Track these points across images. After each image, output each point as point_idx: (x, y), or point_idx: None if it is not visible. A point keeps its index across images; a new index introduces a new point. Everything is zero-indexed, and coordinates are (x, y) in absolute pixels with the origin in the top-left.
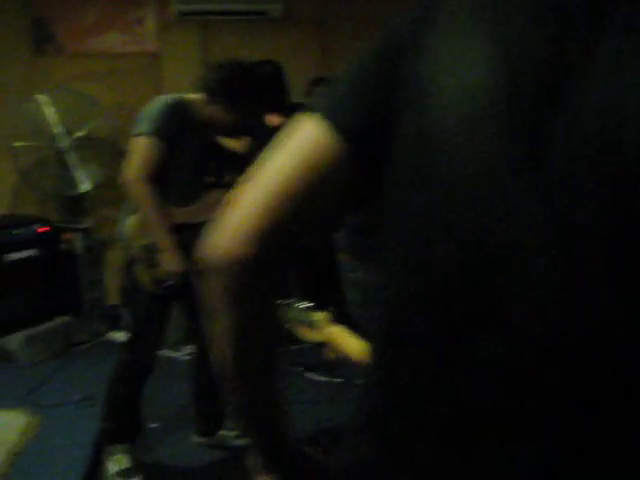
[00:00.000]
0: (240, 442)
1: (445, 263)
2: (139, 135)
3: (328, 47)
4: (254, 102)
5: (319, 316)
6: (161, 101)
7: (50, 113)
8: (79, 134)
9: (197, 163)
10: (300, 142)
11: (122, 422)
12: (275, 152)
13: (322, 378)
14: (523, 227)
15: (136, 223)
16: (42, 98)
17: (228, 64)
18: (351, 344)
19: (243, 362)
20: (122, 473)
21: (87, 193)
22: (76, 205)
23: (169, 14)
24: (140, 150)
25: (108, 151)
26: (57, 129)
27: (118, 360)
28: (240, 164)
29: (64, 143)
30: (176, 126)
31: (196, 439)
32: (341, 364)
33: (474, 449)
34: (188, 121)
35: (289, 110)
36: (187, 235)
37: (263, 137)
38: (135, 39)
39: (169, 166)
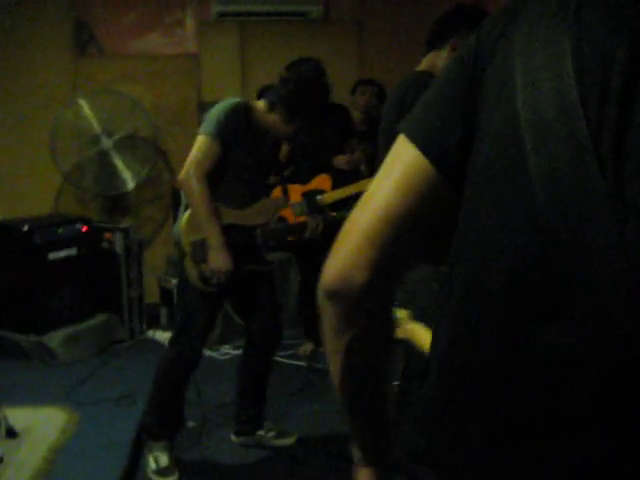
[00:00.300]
0: (278, 443)
1: (526, 254)
2: (201, 134)
3: (366, 48)
4: (313, 118)
5: (400, 313)
6: (227, 104)
7: (91, 115)
8: (120, 134)
9: (254, 168)
10: (398, 170)
11: (164, 417)
12: (378, 180)
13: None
14: (601, 227)
15: (187, 219)
16: (83, 100)
17: (295, 77)
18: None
19: (360, 373)
20: (161, 471)
21: (127, 193)
22: (117, 205)
23: (208, 15)
24: (199, 149)
25: (149, 151)
26: (99, 130)
27: (164, 355)
28: (281, 170)
29: (106, 144)
30: (237, 130)
31: (235, 439)
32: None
33: (535, 439)
34: (249, 126)
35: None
36: (237, 236)
37: (301, 145)
38: (175, 41)
39: (226, 168)
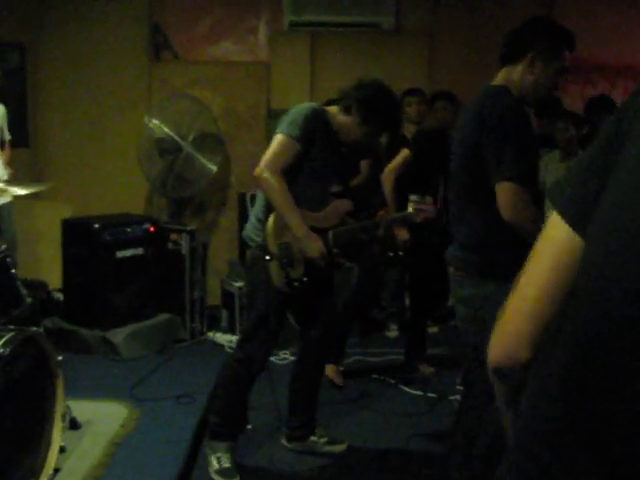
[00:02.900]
0: (329, 449)
1: None
2: (280, 133)
3: (436, 60)
4: (386, 122)
5: None
6: (306, 106)
7: (166, 125)
8: (193, 135)
9: (327, 170)
10: (549, 246)
11: (229, 418)
12: (532, 258)
13: (416, 392)
14: None
15: (274, 221)
16: (155, 120)
17: (372, 83)
18: None
19: None
20: (223, 472)
21: (195, 196)
22: (184, 207)
23: (281, 24)
24: (277, 147)
25: (218, 149)
26: (176, 137)
27: (231, 355)
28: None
29: (186, 147)
30: (315, 131)
31: (286, 444)
32: (436, 380)
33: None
34: (325, 130)
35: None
36: None
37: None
38: (247, 48)
39: (301, 169)
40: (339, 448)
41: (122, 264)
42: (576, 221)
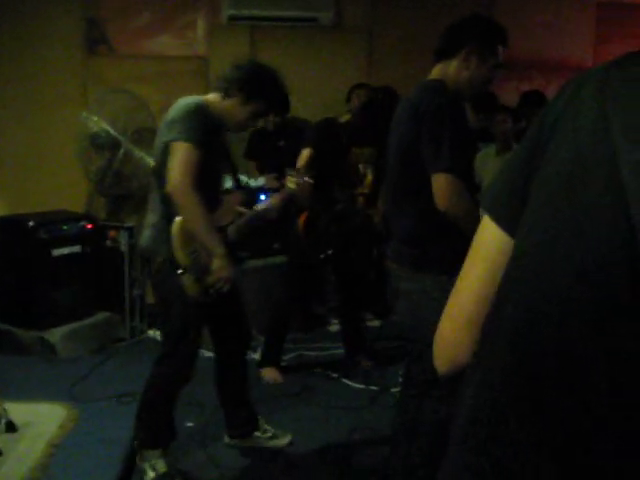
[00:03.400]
0: (273, 443)
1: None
2: (178, 141)
3: (376, 56)
4: (270, 96)
5: None
6: (191, 105)
7: (103, 121)
8: (128, 134)
9: (219, 166)
10: (481, 248)
11: (156, 430)
12: (466, 262)
13: (358, 385)
14: None
15: (179, 233)
16: (91, 113)
17: (248, 63)
18: None
19: None
20: (160, 478)
21: (133, 193)
22: (122, 204)
23: (219, 18)
24: (184, 157)
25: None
26: (115, 133)
27: (155, 372)
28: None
29: (125, 143)
30: (206, 131)
31: (229, 441)
32: (377, 373)
33: None
34: (212, 123)
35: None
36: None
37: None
38: (185, 42)
39: (201, 171)
40: (282, 442)
41: (59, 262)
42: (505, 221)
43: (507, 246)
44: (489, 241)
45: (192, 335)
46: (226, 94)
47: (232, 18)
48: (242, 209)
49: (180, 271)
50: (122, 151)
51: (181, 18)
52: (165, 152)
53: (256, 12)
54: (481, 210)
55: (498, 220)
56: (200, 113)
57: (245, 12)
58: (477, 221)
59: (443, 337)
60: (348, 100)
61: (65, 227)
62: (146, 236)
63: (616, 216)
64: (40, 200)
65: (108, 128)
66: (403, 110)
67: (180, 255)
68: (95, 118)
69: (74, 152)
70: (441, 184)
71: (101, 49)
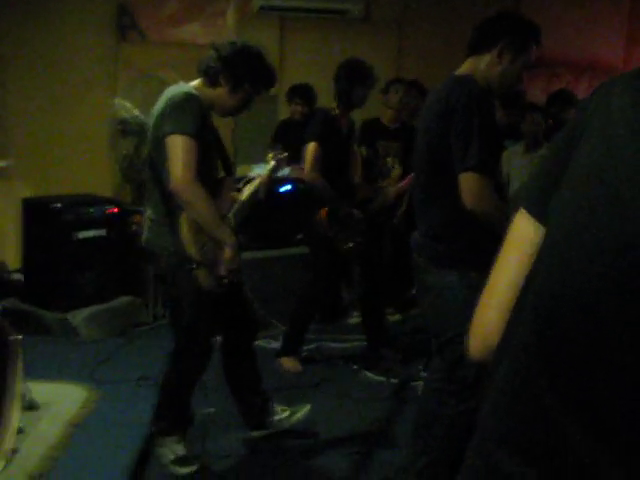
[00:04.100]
0: (295, 418)
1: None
2: (176, 134)
3: (404, 49)
4: (259, 77)
5: None
6: (185, 95)
7: (134, 107)
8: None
9: (214, 154)
10: (514, 239)
11: (174, 418)
12: (500, 253)
13: (379, 378)
14: None
15: (187, 227)
16: (121, 99)
17: (230, 46)
18: None
19: None
20: (181, 459)
21: None
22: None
23: (250, 8)
24: (185, 151)
25: None
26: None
27: (172, 367)
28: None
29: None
30: (200, 121)
31: (256, 434)
32: (399, 366)
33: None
34: (204, 112)
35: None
36: None
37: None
38: (215, 31)
39: (200, 162)
40: (303, 412)
41: (83, 245)
42: (537, 211)
43: (540, 236)
44: (522, 232)
45: (206, 327)
46: (212, 83)
47: (262, 8)
48: (235, 195)
49: (194, 266)
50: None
51: (211, 6)
52: (161, 145)
53: (286, 3)
54: (515, 208)
55: (531, 211)
56: (193, 103)
57: (275, 2)
58: (503, 220)
59: (480, 324)
60: (385, 92)
61: (91, 210)
62: (147, 230)
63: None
64: (67, 183)
65: (138, 114)
66: (432, 104)
67: (191, 249)
68: (127, 104)
69: (105, 137)
70: (469, 183)
71: (132, 35)
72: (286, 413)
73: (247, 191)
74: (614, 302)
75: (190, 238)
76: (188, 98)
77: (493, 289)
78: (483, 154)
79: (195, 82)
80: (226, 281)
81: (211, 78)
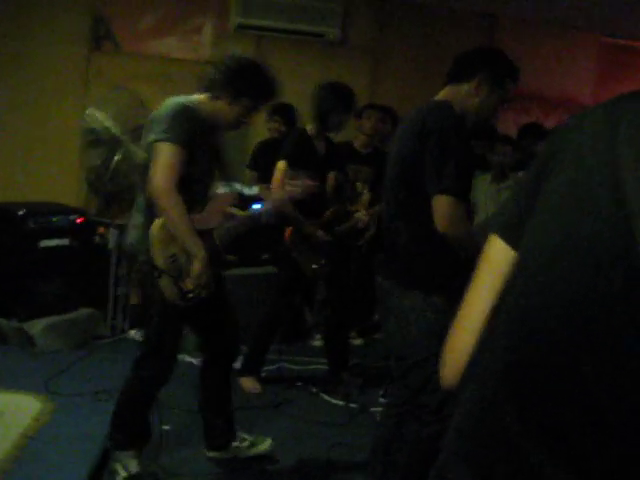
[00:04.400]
0: (255, 451)
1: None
2: (163, 141)
3: (379, 74)
4: (258, 88)
5: None
6: (178, 105)
7: (106, 118)
8: (132, 126)
9: (208, 168)
10: (487, 263)
11: (132, 431)
12: (473, 279)
13: (338, 402)
14: None
15: (158, 234)
16: (94, 109)
17: (229, 59)
18: None
19: None
20: (132, 478)
21: (124, 191)
22: (113, 202)
23: (227, 26)
24: (167, 158)
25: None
26: (118, 132)
27: (134, 373)
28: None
29: (125, 140)
30: (192, 132)
31: (210, 454)
32: (358, 391)
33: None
34: (201, 124)
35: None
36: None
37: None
38: (191, 46)
39: (187, 172)
40: (263, 447)
41: (45, 254)
42: (509, 236)
43: (512, 259)
44: (496, 256)
45: (170, 338)
46: (213, 96)
47: (240, 26)
48: (234, 210)
49: (156, 273)
50: (122, 149)
51: (189, 21)
52: (151, 152)
53: (264, 22)
54: (488, 232)
55: (504, 236)
56: (187, 113)
57: (253, 21)
58: (475, 246)
59: (453, 348)
60: (359, 117)
61: (55, 219)
62: (131, 235)
63: (618, 224)
64: (32, 191)
65: (110, 125)
66: (406, 127)
67: (158, 257)
68: (99, 115)
69: (74, 146)
70: (443, 205)
71: (106, 46)
72: (246, 443)
73: (252, 211)
74: (589, 326)
75: (158, 246)
76: (183, 108)
77: (467, 313)
78: (459, 178)
79: (201, 96)
80: (191, 296)
81: (212, 92)
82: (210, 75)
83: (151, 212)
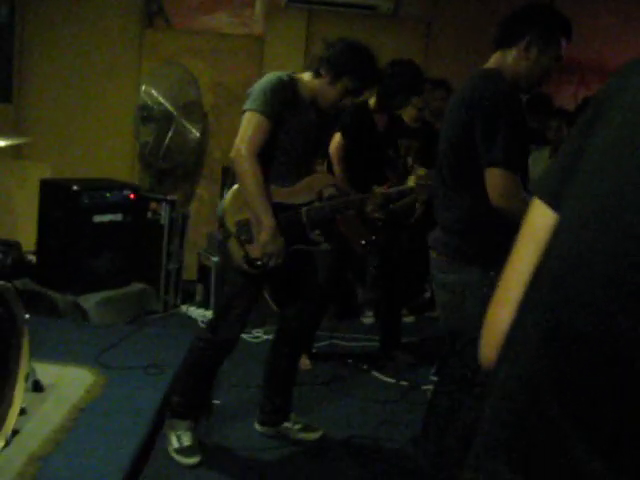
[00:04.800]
0: (303, 436)
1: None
2: (250, 111)
3: (432, 48)
4: (358, 72)
5: None
6: (272, 78)
7: (160, 94)
8: (183, 101)
9: (301, 143)
10: (529, 229)
11: (193, 398)
12: (514, 247)
13: (388, 379)
14: None
15: (232, 198)
16: (147, 85)
17: (338, 41)
18: None
19: None
20: (184, 450)
21: (177, 167)
22: (166, 177)
23: (278, 0)
24: (251, 126)
25: (200, 126)
26: (169, 107)
27: (199, 336)
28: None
29: (177, 115)
30: (285, 104)
31: (259, 428)
32: (409, 369)
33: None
34: (297, 100)
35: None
36: (282, 215)
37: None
38: (242, 21)
39: (274, 144)
40: (313, 436)
41: (99, 229)
42: (551, 199)
43: (555, 223)
44: (537, 221)
45: (239, 305)
46: (317, 74)
47: (291, 0)
48: (332, 190)
49: (225, 235)
50: (174, 124)
51: None
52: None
53: None
54: (532, 197)
55: (544, 199)
56: (278, 86)
57: None
58: None
59: (492, 323)
60: None
61: (108, 195)
62: (222, 202)
63: None
64: (87, 167)
65: (163, 101)
66: (456, 98)
67: (229, 220)
68: (152, 91)
69: (127, 123)
70: (495, 179)
71: (158, 22)
72: (298, 426)
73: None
74: (631, 296)
75: (230, 209)
76: (275, 81)
77: (507, 285)
78: (510, 150)
79: (305, 74)
80: (259, 264)
81: (316, 69)
82: (318, 53)
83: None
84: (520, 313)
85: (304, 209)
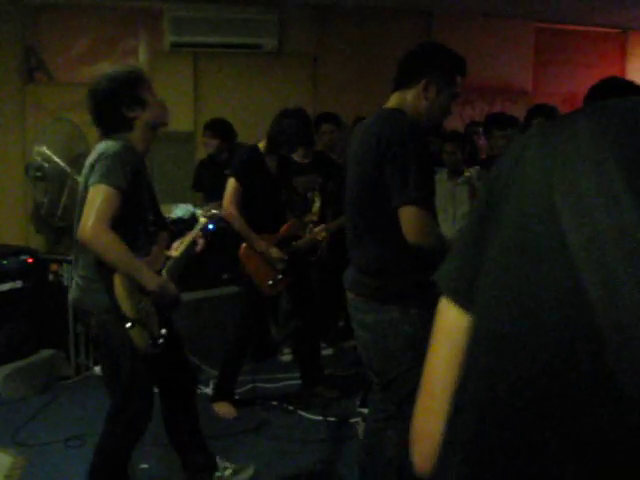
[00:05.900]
0: (238, 479)
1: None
2: (100, 184)
3: (320, 81)
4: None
5: None
6: (117, 147)
7: (52, 152)
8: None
9: (146, 210)
10: (442, 334)
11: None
12: (429, 351)
13: (315, 417)
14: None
15: (122, 285)
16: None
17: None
18: None
19: None
20: None
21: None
22: (65, 236)
23: (161, 45)
24: (103, 201)
25: None
26: (63, 164)
27: (109, 430)
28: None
29: (71, 172)
30: (134, 175)
31: None
32: (335, 403)
33: None
34: (140, 167)
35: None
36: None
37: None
38: None
39: (126, 215)
40: (247, 474)
41: None
42: (462, 299)
43: (468, 325)
44: (449, 323)
45: (144, 387)
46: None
47: (174, 45)
48: (168, 252)
49: (129, 324)
50: (69, 182)
51: (121, 45)
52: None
53: (199, 39)
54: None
55: (456, 300)
56: (126, 155)
57: (187, 39)
58: (445, 250)
59: (420, 431)
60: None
61: (4, 262)
62: (76, 288)
63: (568, 287)
64: None
65: (56, 159)
66: (362, 139)
67: (127, 307)
68: (45, 150)
69: (13, 183)
70: (410, 217)
71: (39, 77)
72: (228, 471)
73: (179, 248)
74: (564, 386)
75: (124, 295)
76: (121, 150)
77: (431, 391)
78: (422, 187)
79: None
80: (162, 341)
81: None
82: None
83: (100, 262)
84: (450, 422)
85: (163, 272)
